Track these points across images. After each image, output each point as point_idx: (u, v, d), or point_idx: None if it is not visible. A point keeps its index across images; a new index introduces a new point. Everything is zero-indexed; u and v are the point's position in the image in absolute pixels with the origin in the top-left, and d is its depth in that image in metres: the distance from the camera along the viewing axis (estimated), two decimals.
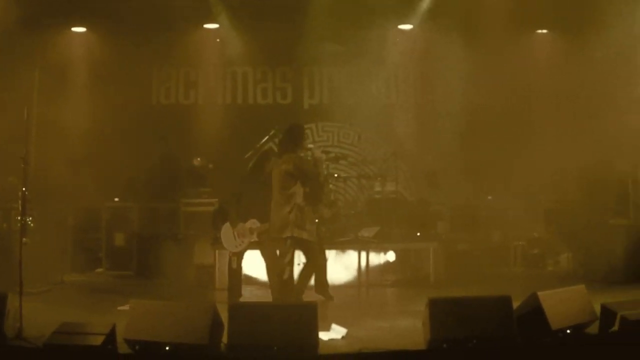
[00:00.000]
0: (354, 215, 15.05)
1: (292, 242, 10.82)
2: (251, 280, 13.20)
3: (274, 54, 17.08)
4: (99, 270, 15.23)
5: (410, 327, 9.38)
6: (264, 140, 15.68)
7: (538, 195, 15.80)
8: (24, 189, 9.15)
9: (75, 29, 16.37)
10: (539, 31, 16.89)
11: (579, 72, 14.44)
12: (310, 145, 11.37)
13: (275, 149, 15.78)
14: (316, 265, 11.38)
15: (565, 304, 8.62)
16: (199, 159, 15.93)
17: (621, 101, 13.30)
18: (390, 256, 14.03)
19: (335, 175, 15.18)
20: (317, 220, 12.64)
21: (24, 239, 8.91)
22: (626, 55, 13.39)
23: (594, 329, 8.74)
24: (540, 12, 15.42)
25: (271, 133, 15.92)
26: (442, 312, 8.14)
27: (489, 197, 15.77)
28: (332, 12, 15.26)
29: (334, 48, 16.60)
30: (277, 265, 11.07)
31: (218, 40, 16.74)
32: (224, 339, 7.79)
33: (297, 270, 12.40)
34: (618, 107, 13.30)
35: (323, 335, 8.53)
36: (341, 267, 13.57)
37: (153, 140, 15.82)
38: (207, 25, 16.60)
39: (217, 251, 13.10)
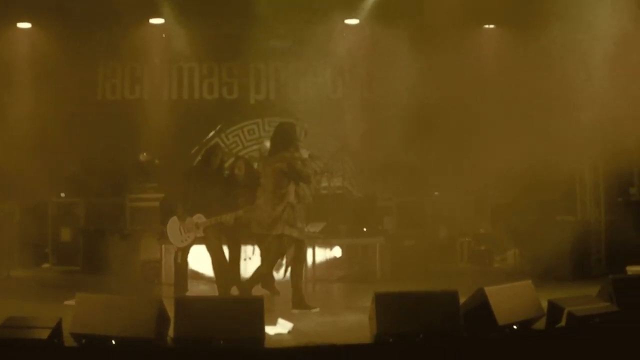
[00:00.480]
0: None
1: (287, 240, 10.80)
2: (197, 275, 13.19)
3: (220, 49, 17.04)
4: (46, 265, 15.18)
5: (356, 321, 9.41)
6: (210, 135, 15.70)
7: (485, 192, 15.95)
8: None
9: (20, 25, 16.13)
10: (486, 26, 16.99)
11: (527, 67, 14.51)
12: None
13: (221, 143, 15.89)
14: (301, 263, 11.34)
15: (512, 299, 8.63)
16: (145, 154, 15.87)
17: (570, 97, 13.40)
18: (337, 252, 14.06)
19: None
20: None
21: None
22: (575, 51, 13.49)
23: (540, 324, 8.78)
24: (487, 7, 15.49)
25: (217, 128, 15.96)
26: (388, 306, 8.14)
27: (436, 193, 15.87)
28: (278, 8, 15.27)
29: (280, 43, 16.62)
30: (266, 260, 11.06)
31: (164, 35, 16.64)
32: (170, 333, 7.74)
33: (244, 265, 12.53)
34: (567, 103, 13.42)
35: (269, 330, 8.53)
36: None
37: (99, 136, 15.67)
38: (153, 21, 16.46)
39: (163, 246, 13.10)
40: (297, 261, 11.16)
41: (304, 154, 11.02)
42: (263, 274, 11.13)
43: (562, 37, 13.37)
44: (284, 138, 11.03)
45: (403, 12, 15.39)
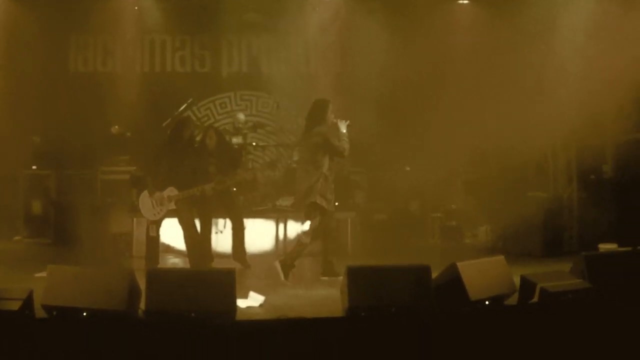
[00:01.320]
0: (272, 185, 15.10)
1: (315, 209, 11.11)
2: (169, 248, 13.19)
3: (193, 22, 16.89)
4: (17, 238, 15.11)
5: (328, 295, 9.45)
6: (182, 108, 15.63)
7: (457, 167, 15.97)
8: None
9: None
10: (460, 1, 16.94)
11: (501, 42, 14.53)
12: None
13: (193, 116, 15.83)
14: (329, 233, 11.53)
15: (484, 275, 8.62)
16: (116, 127, 15.80)
17: (544, 73, 13.44)
18: (308, 226, 14.08)
19: (254, 143, 15.21)
20: (235, 189, 12.71)
21: None
22: (549, 28, 13.53)
23: (513, 300, 8.81)
24: None
25: (189, 101, 15.88)
26: (360, 280, 8.13)
27: (408, 168, 15.87)
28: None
29: (253, 17, 16.54)
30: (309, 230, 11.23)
31: (136, 8, 16.49)
32: (142, 305, 7.73)
33: (216, 238, 12.53)
34: (541, 79, 13.46)
35: (241, 303, 8.53)
36: (259, 235, 13.60)
37: (70, 108, 15.52)
38: None
39: (134, 219, 13.09)
40: (325, 231, 11.39)
41: (342, 126, 11.29)
42: (303, 243, 11.29)
43: (537, 14, 13.41)
44: (320, 113, 11.37)
45: None
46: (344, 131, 11.24)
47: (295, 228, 13.93)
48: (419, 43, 15.29)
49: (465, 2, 16.87)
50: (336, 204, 13.89)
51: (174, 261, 12.83)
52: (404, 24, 15.47)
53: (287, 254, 11.48)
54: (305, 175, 11.18)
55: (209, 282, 7.92)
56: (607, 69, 12.53)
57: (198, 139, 12.90)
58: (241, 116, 15.30)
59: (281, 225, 13.43)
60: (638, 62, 12.84)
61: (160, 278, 7.91)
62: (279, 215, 13.76)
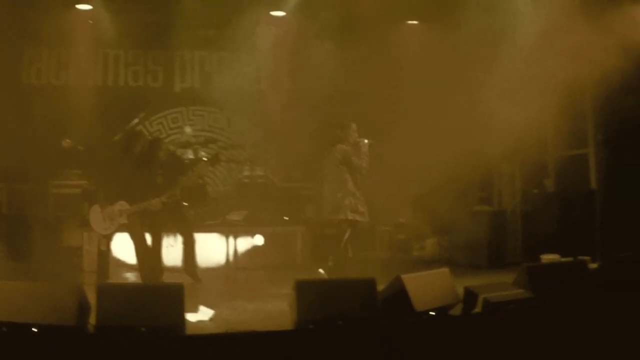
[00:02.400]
0: (223, 199, 15.19)
1: (347, 224, 11.62)
2: (120, 263, 13.20)
3: (146, 37, 16.91)
4: None
5: (277, 309, 9.53)
6: (134, 123, 15.68)
7: (406, 182, 16.17)
8: None
9: None
10: (410, 22, 17.15)
11: (448, 62, 14.74)
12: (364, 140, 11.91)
13: (145, 131, 15.87)
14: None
15: (429, 286, 8.77)
16: (68, 140, 15.75)
17: (489, 92, 13.63)
18: (258, 240, 14.19)
19: (205, 158, 15.29)
20: (186, 204, 12.79)
21: None
22: (494, 47, 13.72)
23: (457, 310, 8.98)
24: (410, 3, 15.69)
25: (141, 115, 15.92)
26: (308, 294, 8.21)
27: None
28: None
29: (206, 33, 16.66)
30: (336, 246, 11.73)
31: (90, 21, 16.51)
32: (92, 320, 7.70)
33: (167, 252, 12.59)
34: (486, 97, 13.65)
35: (190, 317, 8.59)
36: (210, 250, 13.69)
37: (22, 121, 15.53)
38: (80, 6, 16.32)
39: (85, 233, 13.09)
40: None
41: (364, 146, 11.82)
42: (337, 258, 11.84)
43: (481, 33, 13.61)
44: (342, 132, 11.92)
45: (328, 6, 15.49)
46: (365, 150, 11.70)
47: (246, 242, 14.07)
48: (369, 61, 15.50)
49: (415, 22, 17.09)
50: (285, 218, 14.13)
51: (125, 275, 12.78)
52: (354, 42, 15.60)
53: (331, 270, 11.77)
54: (330, 192, 11.74)
55: (159, 296, 7.91)
56: (549, 86, 12.80)
57: (147, 152, 12.96)
58: (188, 129, 15.42)
59: (232, 240, 13.52)
60: (579, 80, 13.15)
61: (110, 292, 7.87)
62: (230, 230, 13.86)
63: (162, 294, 8.00)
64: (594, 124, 14.60)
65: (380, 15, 15.17)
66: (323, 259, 13.60)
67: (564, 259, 12.56)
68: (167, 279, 11.81)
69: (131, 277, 12.52)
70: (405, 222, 16.14)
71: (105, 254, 12.03)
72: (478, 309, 8.78)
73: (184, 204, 12.75)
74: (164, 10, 15.84)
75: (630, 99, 13.03)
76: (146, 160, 12.18)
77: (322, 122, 15.01)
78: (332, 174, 11.69)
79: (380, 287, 8.60)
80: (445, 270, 9.28)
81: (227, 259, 13.65)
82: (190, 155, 14.79)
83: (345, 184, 11.58)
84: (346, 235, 11.65)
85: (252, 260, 14.03)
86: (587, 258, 12.32)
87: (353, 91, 15.76)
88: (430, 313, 8.62)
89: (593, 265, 11.61)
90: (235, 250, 13.62)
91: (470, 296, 8.98)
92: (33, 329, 7.49)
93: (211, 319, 9.13)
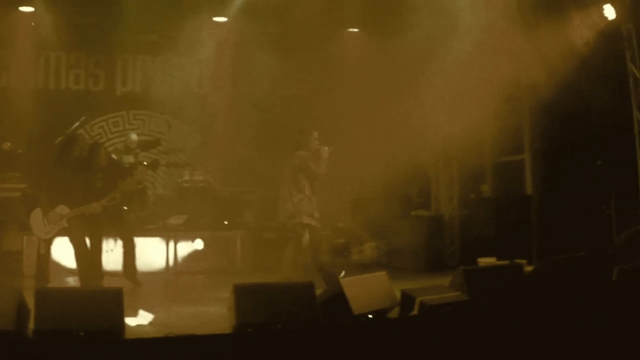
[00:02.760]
0: (163, 203, 15.18)
1: (302, 228, 11.61)
2: (60, 267, 13.14)
3: (88, 40, 16.75)
4: None
5: (217, 313, 9.64)
6: (74, 126, 15.58)
7: (345, 186, 16.30)
8: None
9: None
10: (350, 29, 17.19)
11: (388, 69, 14.89)
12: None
13: (86, 135, 15.80)
14: (314, 246, 11.90)
15: (366, 290, 8.92)
16: (8, 143, 15.65)
17: (428, 98, 13.78)
18: (198, 244, 14.21)
19: (145, 163, 15.27)
20: (126, 208, 12.78)
21: None
22: (433, 55, 13.85)
23: (395, 313, 9.16)
24: (351, 11, 15.81)
25: (82, 119, 15.83)
26: (247, 297, 8.29)
27: None
28: (148, 2, 15.20)
29: (148, 37, 16.67)
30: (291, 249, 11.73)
31: (32, 23, 16.38)
32: (31, 325, 7.68)
33: (106, 257, 12.57)
34: (425, 103, 13.80)
35: (130, 321, 8.62)
36: (150, 254, 13.69)
37: None
38: (22, 8, 16.18)
39: (25, 237, 13.00)
40: (314, 245, 11.92)
41: (324, 153, 11.79)
42: (289, 258, 11.80)
43: (421, 41, 13.76)
44: (303, 139, 11.92)
45: (270, 13, 15.53)
46: (325, 157, 11.74)
47: (186, 246, 14.09)
48: (310, 67, 15.59)
49: (355, 30, 17.23)
50: (225, 222, 14.17)
51: (65, 279, 12.70)
52: (296, 49, 15.66)
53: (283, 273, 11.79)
54: (289, 197, 11.69)
55: (98, 300, 7.90)
56: (487, 93, 13.00)
57: (87, 155, 12.91)
58: (134, 136, 15.35)
59: (172, 244, 13.54)
60: (516, 87, 13.38)
61: (50, 297, 7.84)
62: (170, 234, 13.88)
63: (101, 299, 7.98)
64: (530, 131, 14.86)
65: (321, 23, 15.27)
66: (262, 262, 13.74)
67: (500, 262, 12.79)
68: (106, 283, 11.74)
69: (71, 281, 12.46)
70: (344, 226, 16.24)
71: (44, 258, 12.00)
72: (415, 311, 8.90)
73: (124, 207, 12.74)
74: (106, 13, 15.76)
75: (565, 108, 13.30)
76: (85, 164, 12.11)
77: (263, 126, 15.11)
78: (290, 179, 11.74)
79: (319, 290, 8.72)
80: (383, 273, 9.42)
81: (167, 263, 13.66)
82: (131, 159, 14.76)
83: (303, 189, 11.64)
84: (305, 239, 11.68)
85: (192, 264, 14.04)
86: (523, 261, 12.57)
87: (293, 96, 15.82)
88: (369, 316, 8.76)
89: (529, 268, 11.85)
90: (175, 255, 13.64)
91: (407, 299, 9.11)
92: None
93: (150, 323, 9.16)
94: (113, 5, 15.30)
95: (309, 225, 11.64)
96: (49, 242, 11.93)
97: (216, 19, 16.54)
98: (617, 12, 13.39)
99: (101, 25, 16.21)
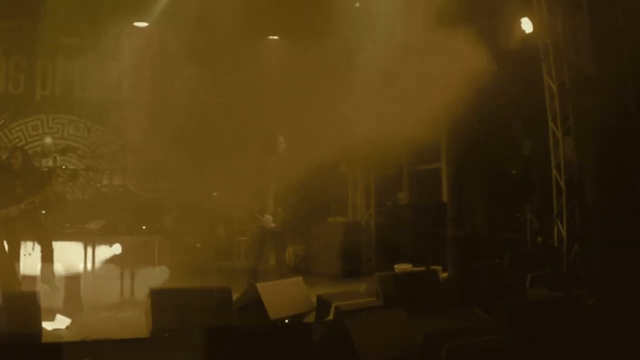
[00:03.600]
0: (82, 208, 15.12)
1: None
2: None
3: (9, 43, 16.67)
4: None
5: (134, 317, 9.66)
6: None
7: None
8: None
9: None
10: (270, 37, 17.44)
11: (307, 76, 15.01)
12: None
13: (5, 138, 15.68)
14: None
15: (283, 295, 9.12)
16: None
17: (346, 106, 13.90)
18: (116, 248, 14.19)
19: (63, 167, 15.21)
20: (43, 212, 12.72)
21: None
22: (351, 63, 13.99)
23: (311, 318, 9.35)
24: (271, 19, 15.95)
25: (1, 122, 15.71)
26: (163, 302, 8.42)
27: (215, 194, 16.18)
28: (69, 5, 15.08)
29: (68, 41, 16.57)
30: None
31: None
32: None
33: (24, 261, 12.49)
34: (343, 111, 13.94)
35: (47, 325, 8.60)
36: (68, 258, 13.62)
37: None
38: None
39: None
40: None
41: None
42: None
43: (339, 49, 13.92)
44: (271, 144, 12.49)
45: (191, 19, 15.56)
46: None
47: (104, 251, 14.05)
48: (230, 74, 15.63)
49: (275, 37, 17.37)
50: (143, 227, 14.18)
51: None
52: (217, 55, 15.68)
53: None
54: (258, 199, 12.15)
55: (14, 304, 7.90)
56: (403, 102, 13.19)
57: (3, 159, 12.82)
58: (48, 140, 15.29)
59: (90, 248, 13.49)
60: (432, 98, 13.62)
61: None
62: (88, 238, 13.83)
63: (18, 302, 7.99)
64: (446, 140, 15.13)
65: (241, 30, 15.33)
66: (181, 267, 13.77)
67: (416, 268, 13.05)
68: (24, 287, 11.63)
69: None
70: None
71: None
72: (330, 316, 9.06)
73: (42, 211, 12.67)
74: (26, 16, 15.67)
75: (476, 120, 13.59)
76: (4, 169, 12.06)
77: (183, 132, 15.12)
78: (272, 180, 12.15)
79: (236, 295, 8.83)
80: (299, 279, 9.59)
81: (85, 268, 13.60)
82: (49, 163, 14.68)
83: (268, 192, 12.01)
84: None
85: (110, 268, 14.01)
86: (438, 267, 12.86)
87: (213, 103, 15.84)
88: (285, 321, 8.91)
89: (444, 275, 12.13)
90: (93, 259, 13.59)
91: (323, 304, 9.28)
92: None
93: (67, 328, 9.15)
94: (33, 8, 15.22)
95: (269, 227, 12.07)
96: None
97: (137, 24, 16.58)
98: (534, 26, 13.72)
99: (21, 27, 16.12)
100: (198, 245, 14.52)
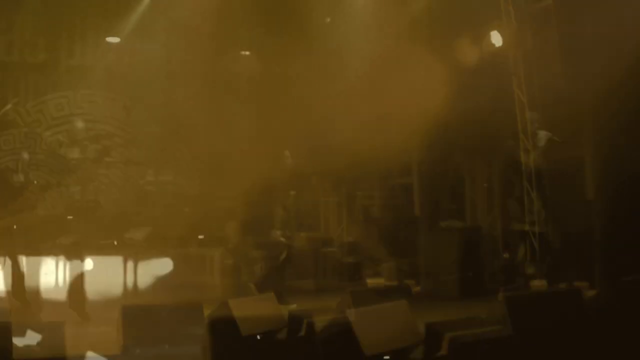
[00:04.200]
0: (53, 222, 15.00)
1: None
2: None
3: None
4: None
5: (106, 333, 9.55)
6: None
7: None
8: None
9: None
10: (242, 52, 17.34)
11: (278, 91, 15.03)
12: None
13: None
14: None
15: (256, 311, 9.08)
16: None
17: (318, 121, 13.90)
18: (89, 264, 14.04)
19: (35, 182, 14.99)
20: (15, 227, 12.64)
21: None
22: (321, 78, 14.00)
23: (284, 333, 9.14)
24: (243, 34, 15.96)
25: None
26: (135, 318, 8.42)
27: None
28: (40, 21, 14.95)
29: (37, 57, 16.28)
30: None
31: None
32: None
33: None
34: (315, 126, 13.93)
35: (18, 341, 8.55)
36: (40, 273, 13.50)
37: None
38: None
39: None
40: None
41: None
42: None
43: (310, 64, 13.96)
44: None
45: (163, 33, 15.51)
46: None
47: (77, 266, 13.92)
48: (202, 88, 15.56)
49: (246, 53, 17.29)
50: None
51: None
52: (188, 69, 15.60)
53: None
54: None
55: None
56: (375, 117, 13.22)
57: None
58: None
59: (62, 264, 13.46)
60: (407, 111, 13.65)
61: None
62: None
63: None
64: (419, 154, 15.14)
65: (213, 44, 15.29)
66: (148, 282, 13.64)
67: (389, 283, 13.04)
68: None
69: None
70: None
71: None
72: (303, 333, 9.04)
73: (13, 226, 12.59)
74: None
75: (454, 131, 13.63)
76: None
77: (156, 147, 15.01)
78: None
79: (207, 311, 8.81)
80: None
81: (57, 283, 13.50)
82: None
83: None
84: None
85: (82, 284, 13.87)
86: (411, 282, 12.88)
87: (186, 118, 15.78)
88: (257, 337, 8.82)
89: (417, 289, 12.15)
90: (65, 274, 13.49)
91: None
92: None
93: (39, 344, 9.09)
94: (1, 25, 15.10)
95: None
96: None
97: (109, 39, 16.35)
98: (503, 39, 13.80)
99: None
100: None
